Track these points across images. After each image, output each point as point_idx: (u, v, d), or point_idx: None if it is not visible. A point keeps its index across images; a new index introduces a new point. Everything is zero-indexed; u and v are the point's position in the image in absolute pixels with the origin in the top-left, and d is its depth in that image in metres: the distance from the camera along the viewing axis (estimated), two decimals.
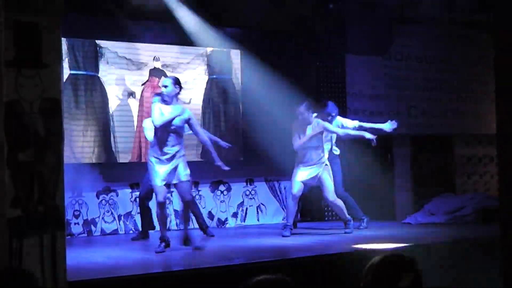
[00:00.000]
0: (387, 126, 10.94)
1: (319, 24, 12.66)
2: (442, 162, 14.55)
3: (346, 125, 10.95)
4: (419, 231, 10.29)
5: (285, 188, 12.50)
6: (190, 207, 9.15)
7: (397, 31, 13.72)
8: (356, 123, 11.00)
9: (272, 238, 9.82)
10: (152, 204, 9.73)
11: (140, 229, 10.47)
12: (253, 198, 12.18)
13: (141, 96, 11.31)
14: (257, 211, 12.07)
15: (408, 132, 13.99)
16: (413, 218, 11.64)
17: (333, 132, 10.44)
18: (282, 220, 12.24)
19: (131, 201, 11.14)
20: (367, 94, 13.45)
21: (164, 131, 8.56)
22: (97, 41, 11.06)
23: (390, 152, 13.87)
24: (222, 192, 11.98)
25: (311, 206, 12.62)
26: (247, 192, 12.18)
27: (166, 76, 11.55)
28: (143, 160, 10.71)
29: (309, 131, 10.07)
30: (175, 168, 8.67)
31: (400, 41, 13.86)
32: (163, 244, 8.60)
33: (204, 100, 11.90)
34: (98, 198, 10.70)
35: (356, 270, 4.20)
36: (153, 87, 11.44)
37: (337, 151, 11.13)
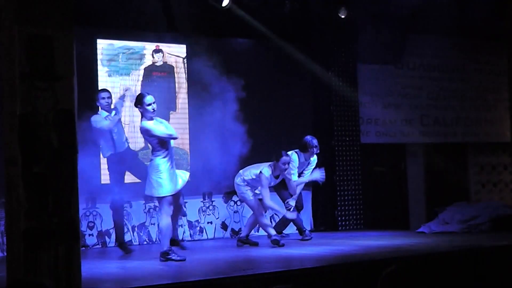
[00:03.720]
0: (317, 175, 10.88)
1: (331, 33, 12.68)
2: (455, 171, 14.52)
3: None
4: (433, 240, 10.25)
5: None
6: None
7: (410, 40, 13.72)
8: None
9: (285, 248, 9.80)
10: None
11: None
12: None
13: None
14: (270, 222, 12.02)
15: (421, 140, 13.98)
16: (427, 227, 11.60)
17: None
18: (295, 230, 12.21)
19: (144, 212, 11.16)
20: (379, 103, 13.44)
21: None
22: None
23: (404, 160, 13.86)
24: (235, 202, 11.97)
25: (324, 216, 12.61)
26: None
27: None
28: None
29: None
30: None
31: (412, 50, 13.86)
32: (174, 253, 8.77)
33: None
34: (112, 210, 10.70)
35: (370, 280, 4.20)
36: None
37: None
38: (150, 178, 8.77)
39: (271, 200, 10.30)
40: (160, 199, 8.77)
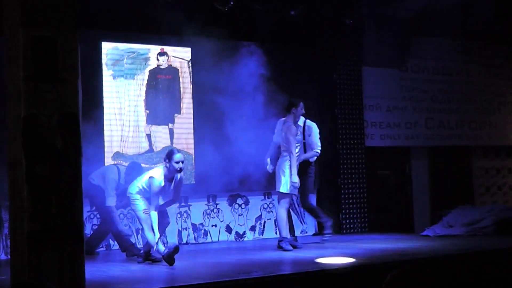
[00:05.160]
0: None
1: (336, 37, 12.67)
2: (460, 174, 14.50)
3: None
4: (437, 244, 10.24)
5: None
6: None
7: (414, 43, 13.73)
8: None
9: (290, 251, 9.79)
10: None
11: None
12: (271, 211, 12.16)
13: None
14: (275, 224, 12.02)
15: (425, 144, 13.98)
16: (432, 231, 11.58)
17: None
18: (300, 233, 12.21)
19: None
20: (384, 106, 13.45)
21: None
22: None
23: (408, 163, 13.85)
24: (240, 205, 11.97)
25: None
26: (265, 206, 12.16)
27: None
28: None
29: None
30: None
31: (416, 54, 13.87)
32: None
33: None
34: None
35: (375, 283, 4.18)
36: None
37: None
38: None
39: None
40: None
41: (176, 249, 8.60)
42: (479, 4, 12.99)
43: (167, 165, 8.92)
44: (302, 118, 10.48)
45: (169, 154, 9.00)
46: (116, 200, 9.93)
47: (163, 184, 8.89)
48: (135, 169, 10.03)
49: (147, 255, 9.06)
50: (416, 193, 13.87)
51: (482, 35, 14.26)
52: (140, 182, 9.01)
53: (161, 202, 8.97)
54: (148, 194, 8.93)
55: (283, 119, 10.35)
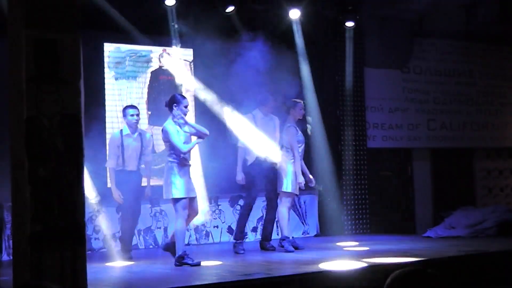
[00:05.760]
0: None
1: (338, 37, 12.68)
2: (462, 175, 14.50)
3: None
4: (439, 245, 10.24)
5: (304, 202, 12.47)
6: None
7: (416, 44, 13.74)
8: None
9: (291, 253, 9.79)
10: None
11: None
12: None
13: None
14: (277, 225, 12.01)
15: (427, 145, 13.98)
16: (434, 232, 11.58)
17: None
18: (302, 234, 12.22)
19: (150, 216, 11.16)
20: (386, 107, 13.46)
21: None
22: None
23: (410, 165, 13.85)
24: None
25: (330, 220, 12.59)
26: None
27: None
28: None
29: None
30: None
31: (419, 55, 13.88)
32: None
33: None
34: (118, 213, 10.69)
35: (376, 284, 4.19)
36: None
37: None
38: (165, 181, 8.75)
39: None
40: (174, 201, 8.69)
41: (197, 265, 8.54)
42: (482, 5, 13.00)
43: (175, 108, 8.74)
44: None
45: (176, 100, 8.80)
46: (115, 163, 9.82)
47: (178, 128, 8.67)
48: (128, 107, 10.06)
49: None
50: (418, 194, 13.87)
51: (484, 37, 14.27)
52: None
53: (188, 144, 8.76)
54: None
55: (251, 113, 10.36)
